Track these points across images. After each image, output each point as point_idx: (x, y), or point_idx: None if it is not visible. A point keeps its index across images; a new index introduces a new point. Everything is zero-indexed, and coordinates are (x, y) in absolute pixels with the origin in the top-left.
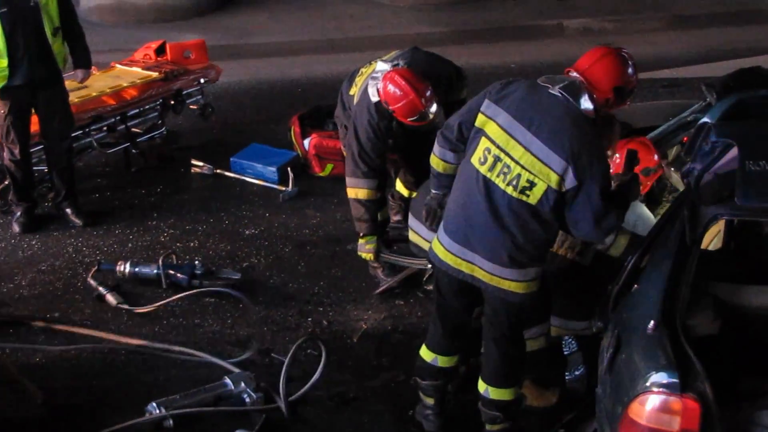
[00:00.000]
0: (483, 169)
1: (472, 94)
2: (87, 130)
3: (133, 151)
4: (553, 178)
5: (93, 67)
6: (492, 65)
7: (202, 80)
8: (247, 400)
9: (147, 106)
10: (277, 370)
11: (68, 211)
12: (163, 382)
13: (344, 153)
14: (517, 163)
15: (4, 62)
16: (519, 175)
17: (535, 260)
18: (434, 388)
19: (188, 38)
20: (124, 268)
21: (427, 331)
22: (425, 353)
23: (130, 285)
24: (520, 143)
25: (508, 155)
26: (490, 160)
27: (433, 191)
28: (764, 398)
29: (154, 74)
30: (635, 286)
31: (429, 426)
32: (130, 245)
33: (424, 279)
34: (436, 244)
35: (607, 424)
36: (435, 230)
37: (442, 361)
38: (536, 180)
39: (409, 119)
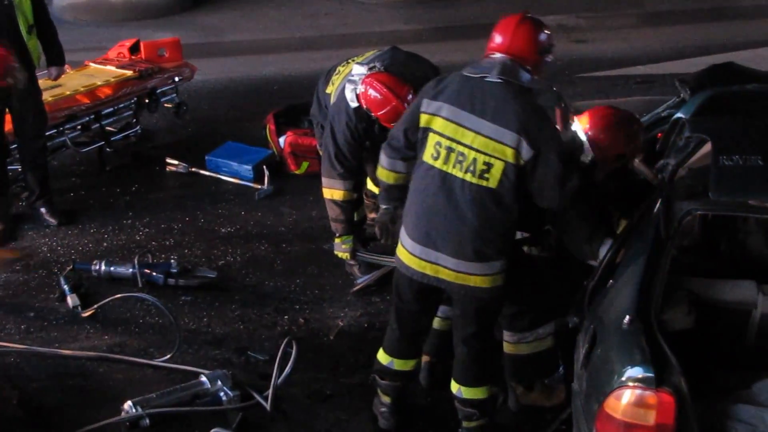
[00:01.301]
0: (438, 164)
1: None
2: (61, 129)
3: (108, 150)
4: (509, 153)
5: (66, 66)
6: (466, 63)
7: (176, 79)
8: (224, 398)
9: (121, 105)
10: (254, 369)
11: (43, 210)
12: (139, 380)
13: (320, 152)
14: (470, 148)
15: None
16: (475, 160)
17: (500, 252)
18: (391, 389)
19: (162, 36)
20: (100, 267)
21: (385, 334)
22: (382, 356)
23: (106, 286)
24: (469, 129)
25: (460, 143)
26: (443, 152)
27: (384, 207)
28: (739, 392)
29: (129, 73)
30: (610, 281)
31: (383, 423)
32: (105, 244)
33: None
34: (400, 250)
35: (583, 419)
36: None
37: (398, 365)
38: (492, 161)
39: (393, 123)
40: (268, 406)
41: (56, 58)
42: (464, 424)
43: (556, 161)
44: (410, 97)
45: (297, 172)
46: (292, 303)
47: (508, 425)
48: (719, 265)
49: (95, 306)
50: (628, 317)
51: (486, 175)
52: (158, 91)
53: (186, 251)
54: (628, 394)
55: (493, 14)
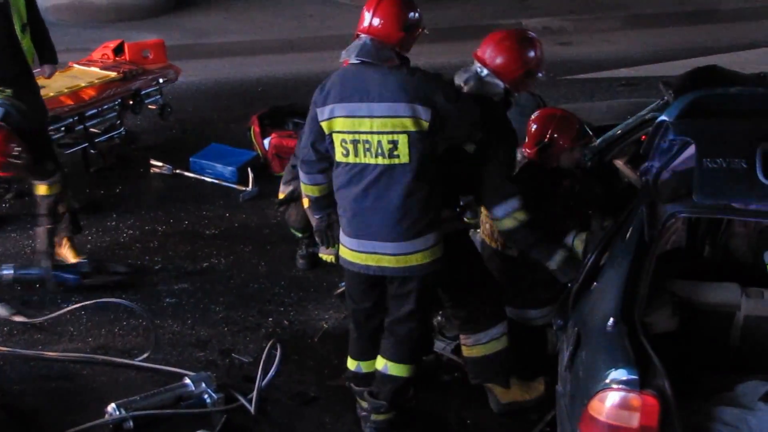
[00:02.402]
0: (350, 159)
1: None
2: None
3: (92, 151)
4: (408, 123)
5: None
6: (452, 65)
7: (160, 80)
8: (208, 400)
9: (105, 106)
10: (238, 371)
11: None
12: (123, 383)
13: None
14: (371, 133)
15: None
16: (380, 142)
17: (431, 225)
18: (367, 393)
19: (147, 38)
20: (6, 271)
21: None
22: (350, 362)
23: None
24: (365, 116)
25: (361, 133)
26: (350, 147)
27: (317, 216)
28: (722, 394)
29: (113, 74)
30: (594, 283)
31: (368, 428)
32: (88, 246)
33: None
34: (342, 250)
35: (567, 421)
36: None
37: (365, 367)
38: (395, 137)
39: None
40: (252, 408)
41: (49, 57)
42: (372, 417)
43: (455, 115)
44: None
45: (281, 174)
46: (277, 305)
47: (492, 427)
48: (703, 268)
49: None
50: (612, 319)
51: (395, 153)
52: (142, 92)
53: (170, 253)
54: (612, 396)
55: (478, 16)
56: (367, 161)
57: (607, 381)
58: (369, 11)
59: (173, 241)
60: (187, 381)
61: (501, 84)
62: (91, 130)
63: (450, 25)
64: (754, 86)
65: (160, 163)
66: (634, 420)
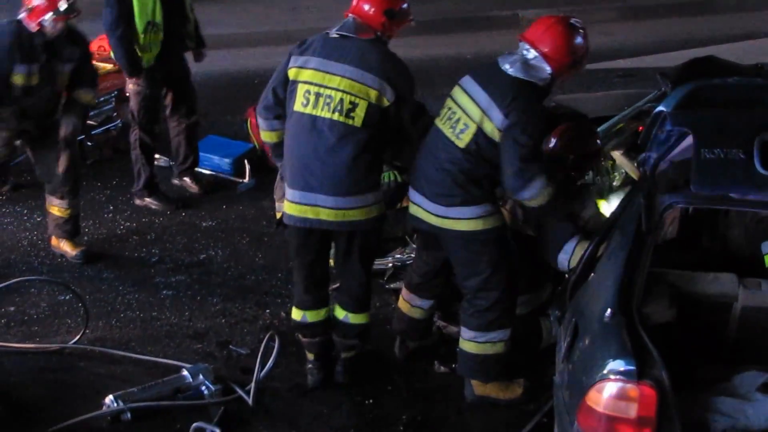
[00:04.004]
0: (308, 110)
1: (435, 87)
2: None
3: (88, 143)
4: (372, 94)
5: None
6: (448, 56)
7: None
8: (206, 392)
9: (101, 99)
10: (235, 363)
11: (187, 179)
12: (121, 375)
13: None
14: (337, 90)
15: (161, 36)
16: (342, 100)
17: (371, 186)
18: (313, 345)
19: None
20: None
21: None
22: (294, 313)
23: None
24: (336, 74)
25: (327, 87)
26: (312, 98)
27: (279, 164)
28: (719, 385)
29: (109, 66)
30: (592, 274)
31: (311, 380)
32: (85, 238)
33: (385, 278)
34: (285, 204)
35: (565, 412)
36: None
37: (310, 316)
38: (357, 100)
39: None
40: (249, 400)
41: (202, 42)
42: (343, 354)
43: (413, 102)
44: None
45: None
46: (274, 297)
47: (488, 417)
48: (700, 259)
49: None
50: (609, 310)
51: (352, 114)
52: None
53: (167, 245)
54: (609, 386)
55: (474, 8)
56: (323, 114)
57: (605, 372)
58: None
59: (170, 233)
60: (185, 373)
61: (548, 69)
62: (88, 122)
63: (444, 16)
64: (751, 77)
65: (156, 156)
66: (632, 410)
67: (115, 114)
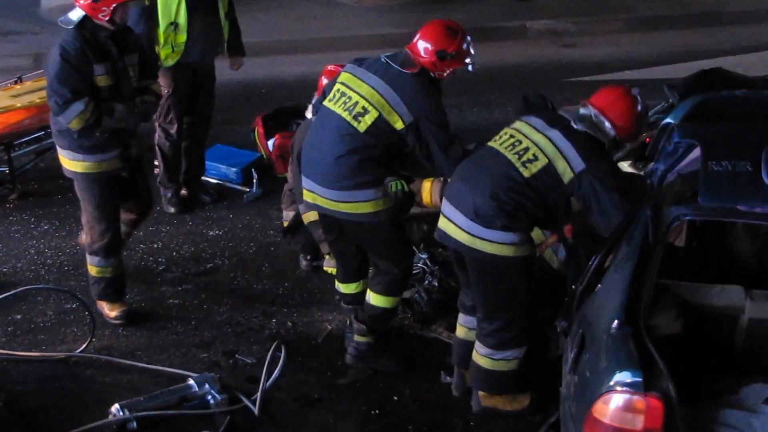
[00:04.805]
0: (329, 104)
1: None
2: (49, 131)
3: None
4: (386, 108)
5: None
6: None
7: None
8: (212, 401)
9: None
10: (242, 372)
11: (192, 188)
12: (127, 383)
13: None
14: (358, 94)
15: (183, 37)
16: (356, 103)
17: (362, 185)
18: (350, 312)
19: None
20: None
21: None
22: (336, 284)
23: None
24: (365, 81)
25: (353, 90)
26: (337, 95)
27: None
28: (726, 397)
29: None
30: (599, 285)
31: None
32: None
33: None
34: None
35: (571, 423)
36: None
37: (342, 288)
38: (369, 107)
39: None
40: (256, 409)
41: (241, 48)
42: (355, 337)
43: (436, 130)
44: None
45: (285, 175)
46: (280, 306)
47: (496, 429)
48: (707, 270)
49: None
50: (616, 322)
51: (359, 118)
52: None
53: (174, 254)
54: (616, 398)
55: (482, 18)
56: (337, 111)
57: (612, 383)
58: (419, 31)
59: (177, 242)
60: (191, 382)
61: (612, 133)
62: None
63: None
64: (759, 89)
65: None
66: (639, 422)
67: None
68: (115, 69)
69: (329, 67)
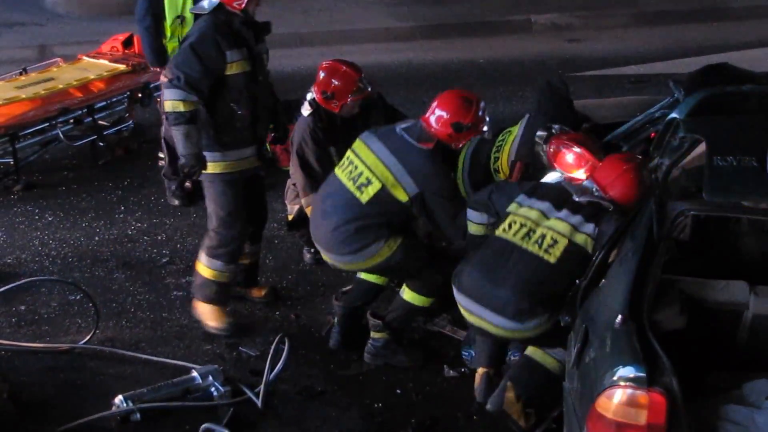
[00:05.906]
0: (338, 171)
1: (440, 89)
2: (53, 122)
3: (100, 144)
4: (389, 180)
5: (59, 59)
6: (460, 60)
7: None
8: (215, 393)
9: (114, 99)
10: (245, 364)
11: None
12: (131, 375)
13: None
14: (365, 164)
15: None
16: (361, 173)
17: (365, 245)
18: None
19: None
20: None
21: None
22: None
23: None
24: (373, 151)
25: (360, 160)
26: (346, 163)
27: None
28: (730, 392)
29: (122, 67)
30: (603, 280)
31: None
32: (96, 238)
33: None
34: None
35: (574, 418)
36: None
37: (364, 275)
38: (373, 179)
39: (350, 96)
40: (259, 402)
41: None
42: (372, 333)
43: (444, 201)
44: (357, 65)
45: (288, 168)
46: (284, 299)
47: (498, 422)
48: (711, 266)
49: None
50: (620, 317)
51: (362, 189)
52: (151, 85)
53: (178, 246)
54: (619, 393)
55: (485, 13)
56: (342, 179)
57: (615, 378)
58: (434, 102)
59: (181, 234)
60: (195, 374)
61: (611, 207)
62: (100, 122)
63: (459, 21)
64: (765, 84)
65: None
66: (642, 417)
67: (127, 114)
68: (251, 58)
69: (325, 63)
